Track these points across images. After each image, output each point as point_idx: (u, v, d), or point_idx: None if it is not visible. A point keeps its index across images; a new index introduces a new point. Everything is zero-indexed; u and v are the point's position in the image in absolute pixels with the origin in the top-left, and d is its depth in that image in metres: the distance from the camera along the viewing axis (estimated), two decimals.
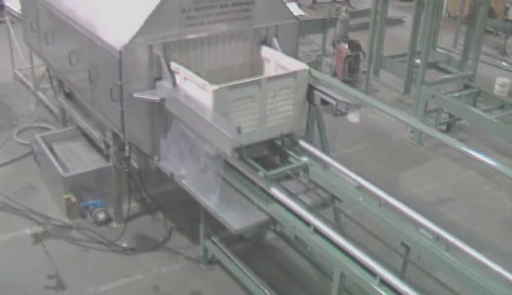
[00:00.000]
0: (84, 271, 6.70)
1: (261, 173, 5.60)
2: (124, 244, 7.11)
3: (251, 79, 6.01)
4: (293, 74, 6.23)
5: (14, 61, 11.18)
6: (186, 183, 6.14)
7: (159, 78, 6.19)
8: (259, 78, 6.05)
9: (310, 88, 6.35)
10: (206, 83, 5.73)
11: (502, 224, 8.03)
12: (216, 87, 5.64)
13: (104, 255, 6.98)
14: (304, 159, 5.91)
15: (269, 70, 6.71)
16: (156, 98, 6.10)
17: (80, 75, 7.05)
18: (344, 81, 10.98)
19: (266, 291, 6.03)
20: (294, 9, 10.94)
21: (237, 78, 6.25)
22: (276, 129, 6.22)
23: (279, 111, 6.16)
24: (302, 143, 6.29)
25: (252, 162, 5.79)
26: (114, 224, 7.44)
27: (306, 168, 5.86)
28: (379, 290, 4.66)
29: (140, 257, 6.98)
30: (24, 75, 11.04)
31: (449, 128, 10.34)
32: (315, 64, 7.61)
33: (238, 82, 5.88)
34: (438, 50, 11.89)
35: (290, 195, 5.62)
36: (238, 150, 5.58)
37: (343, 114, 6.10)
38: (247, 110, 5.93)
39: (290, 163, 5.98)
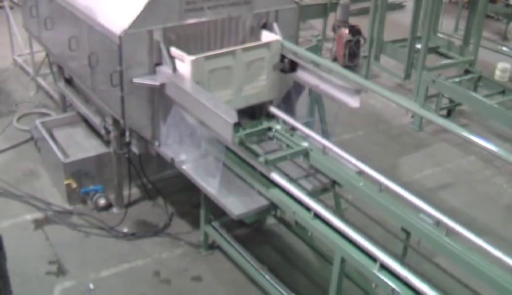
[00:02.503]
0: (85, 256, 6.71)
1: (262, 159, 5.61)
2: (125, 230, 7.13)
3: (226, 50, 6.26)
4: (267, 45, 6.50)
5: (13, 47, 11.15)
6: (187, 168, 6.15)
7: (159, 64, 6.18)
8: (234, 49, 6.27)
9: (283, 58, 6.67)
10: (184, 54, 5.95)
11: (502, 210, 8.03)
12: (193, 57, 5.90)
13: (104, 240, 7.00)
14: (305, 144, 5.91)
15: None
16: (156, 83, 6.10)
17: (79, 61, 7.03)
18: (345, 66, 10.97)
19: (266, 276, 6.04)
20: None
21: None
22: (252, 98, 6.53)
23: (254, 80, 6.43)
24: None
25: (253, 147, 5.80)
26: (115, 210, 7.44)
27: (306, 153, 5.86)
28: (379, 275, 4.67)
29: (141, 242, 6.99)
30: (24, 61, 11.02)
31: (450, 113, 10.33)
32: (316, 49, 7.58)
33: (214, 53, 6.14)
34: (439, 35, 11.85)
35: (290, 180, 5.62)
36: None
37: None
38: (223, 80, 6.18)
39: (290, 147, 5.97)
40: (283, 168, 5.88)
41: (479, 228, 7.01)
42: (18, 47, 11.01)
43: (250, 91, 6.55)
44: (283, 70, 6.68)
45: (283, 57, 6.68)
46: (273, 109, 6.72)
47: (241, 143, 5.77)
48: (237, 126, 5.47)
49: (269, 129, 6.17)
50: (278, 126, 6.19)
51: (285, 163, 5.95)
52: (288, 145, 6.00)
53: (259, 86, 6.60)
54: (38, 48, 9.81)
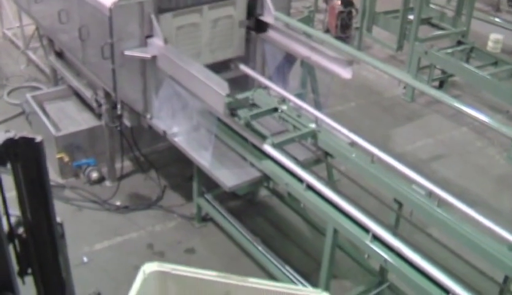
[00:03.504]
0: (78, 230, 6.70)
1: (269, 141, 5.56)
2: (118, 203, 7.13)
3: (193, 8, 6.40)
4: (232, 3, 6.62)
5: (3, 21, 11.03)
6: (179, 141, 6.14)
7: (150, 36, 6.14)
8: (200, 6, 6.41)
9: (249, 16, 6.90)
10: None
11: (494, 181, 8.06)
12: (161, 15, 6.09)
13: (97, 214, 7.00)
14: (312, 125, 5.85)
15: None
16: (148, 56, 6.06)
17: (70, 33, 6.98)
18: (337, 37, 10.90)
19: (259, 247, 6.07)
20: None
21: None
22: (219, 54, 6.75)
23: (220, 37, 6.66)
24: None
25: (259, 129, 5.74)
26: (107, 183, 7.44)
27: (314, 135, 5.81)
28: (371, 246, 4.70)
29: (134, 215, 7.00)
30: (14, 34, 10.91)
31: (442, 84, 10.31)
32: (308, 20, 7.53)
33: (181, 10, 6.32)
34: (431, 6, 11.76)
35: (283, 151, 5.61)
36: None
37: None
38: (191, 36, 6.39)
39: (297, 128, 5.93)
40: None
41: (470, 199, 7.05)
42: (7, 21, 10.90)
43: (217, 48, 6.71)
44: (249, 28, 6.90)
45: (249, 15, 6.82)
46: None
47: (247, 125, 5.72)
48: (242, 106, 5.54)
49: (275, 109, 6.09)
50: (284, 107, 6.10)
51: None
52: (295, 126, 5.93)
53: (226, 43, 6.76)
54: (27, 21, 9.72)
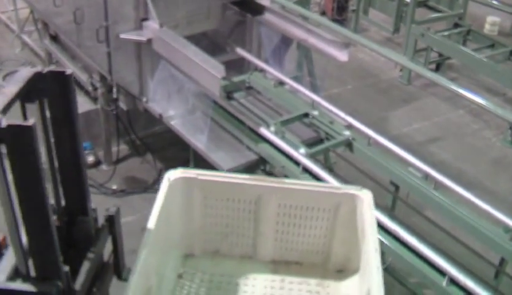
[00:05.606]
0: None
1: (302, 150, 5.47)
2: (114, 187, 7.12)
3: None
4: None
5: None
6: (175, 124, 6.13)
7: (145, 19, 6.10)
8: None
9: None
10: None
11: (490, 163, 8.07)
12: None
13: (93, 197, 6.81)
14: (346, 133, 5.66)
15: None
16: (143, 39, 6.02)
17: (65, 17, 6.93)
18: (333, 20, 10.87)
19: None
20: None
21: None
22: (196, 27, 6.56)
23: (198, 10, 6.48)
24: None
25: (292, 138, 5.63)
26: (103, 167, 7.43)
27: (348, 143, 5.62)
28: None
29: (130, 199, 7.00)
30: (8, 18, 10.83)
31: (439, 67, 10.29)
32: (304, 3, 7.51)
33: None
34: None
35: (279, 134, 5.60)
36: None
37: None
38: (169, 8, 6.18)
39: (332, 137, 5.73)
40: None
41: (467, 182, 7.06)
42: (1, 4, 10.82)
43: (195, 20, 6.56)
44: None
45: None
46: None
47: (277, 132, 5.63)
48: None
49: (306, 115, 5.99)
50: (315, 112, 5.99)
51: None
52: (327, 134, 5.73)
53: (203, 16, 6.60)
54: (22, 4, 9.64)
